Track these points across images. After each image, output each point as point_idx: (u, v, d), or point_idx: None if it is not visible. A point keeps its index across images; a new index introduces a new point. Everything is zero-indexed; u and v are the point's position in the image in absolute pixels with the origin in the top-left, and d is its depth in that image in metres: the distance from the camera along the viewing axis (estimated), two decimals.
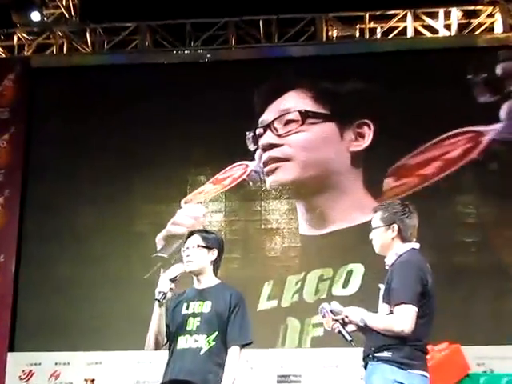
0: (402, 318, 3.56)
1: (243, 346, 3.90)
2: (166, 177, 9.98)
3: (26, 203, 10.08)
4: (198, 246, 4.03)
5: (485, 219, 9.51)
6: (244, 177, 9.89)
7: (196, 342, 3.85)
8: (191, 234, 4.13)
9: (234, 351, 3.86)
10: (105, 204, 9.94)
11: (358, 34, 10.28)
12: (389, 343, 3.60)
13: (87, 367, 9.31)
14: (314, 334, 9.11)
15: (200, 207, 9.91)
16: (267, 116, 9.89)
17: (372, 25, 10.23)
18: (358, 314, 3.73)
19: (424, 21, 10.09)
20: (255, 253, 9.81)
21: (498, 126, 9.49)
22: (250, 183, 9.89)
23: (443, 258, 8.72)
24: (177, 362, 3.87)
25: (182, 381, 3.79)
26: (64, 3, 10.22)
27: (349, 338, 3.72)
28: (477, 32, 10.06)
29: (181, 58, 10.38)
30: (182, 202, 9.87)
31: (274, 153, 9.80)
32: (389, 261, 3.83)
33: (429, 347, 3.78)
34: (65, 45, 10.55)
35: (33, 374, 9.37)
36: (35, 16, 9.93)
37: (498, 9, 9.96)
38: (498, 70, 9.65)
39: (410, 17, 10.05)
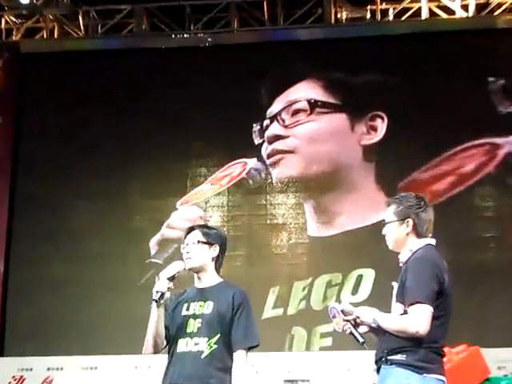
0: (417, 319, 3.54)
1: (249, 348, 3.87)
2: (165, 170, 9.98)
3: (16, 198, 10.10)
4: (199, 241, 4.01)
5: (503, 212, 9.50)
6: (243, 175, 9.88)
7: (196, 345, 3.82)
8: (191, 229, 4.12)
9: (240, 356, 3.82)
10: (101, 199, 9.94)
11: (368, 16, 10.24)
12: (403, 345, 3.59)
13: (82, 372, 9.32)
14: (321, 345, 9.14)
15: (196, 209, 9.89)
16: (275, 107, 9.89)
17: (384, 6, 10.19)
18: (370, 315, 3.71)
19: (439, 1, 10.06)
20: (260, 250, 9.82)
21: None
22: (250, 181, 9.88)
23: (461, 255, 8.71)
24: (176, 366, 3.84)
25: None
26: None
27: (361, 340, 3.71)
28: (496, 13, 10.01)
29: (180, 43, 10.35)
30: (178, 203, 9.86)
31: (279, 145, 9.79)
32: (403, 257, 3.81)
33: (446, 349, 3.77)
34: (56, 29, 10.53)
35: (24, 379, 9.38)
36: None
37: None
38: None
39: None
